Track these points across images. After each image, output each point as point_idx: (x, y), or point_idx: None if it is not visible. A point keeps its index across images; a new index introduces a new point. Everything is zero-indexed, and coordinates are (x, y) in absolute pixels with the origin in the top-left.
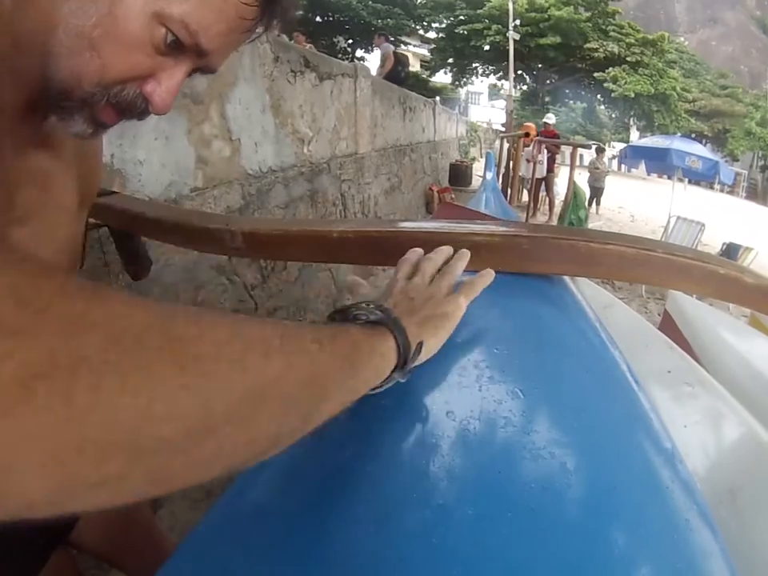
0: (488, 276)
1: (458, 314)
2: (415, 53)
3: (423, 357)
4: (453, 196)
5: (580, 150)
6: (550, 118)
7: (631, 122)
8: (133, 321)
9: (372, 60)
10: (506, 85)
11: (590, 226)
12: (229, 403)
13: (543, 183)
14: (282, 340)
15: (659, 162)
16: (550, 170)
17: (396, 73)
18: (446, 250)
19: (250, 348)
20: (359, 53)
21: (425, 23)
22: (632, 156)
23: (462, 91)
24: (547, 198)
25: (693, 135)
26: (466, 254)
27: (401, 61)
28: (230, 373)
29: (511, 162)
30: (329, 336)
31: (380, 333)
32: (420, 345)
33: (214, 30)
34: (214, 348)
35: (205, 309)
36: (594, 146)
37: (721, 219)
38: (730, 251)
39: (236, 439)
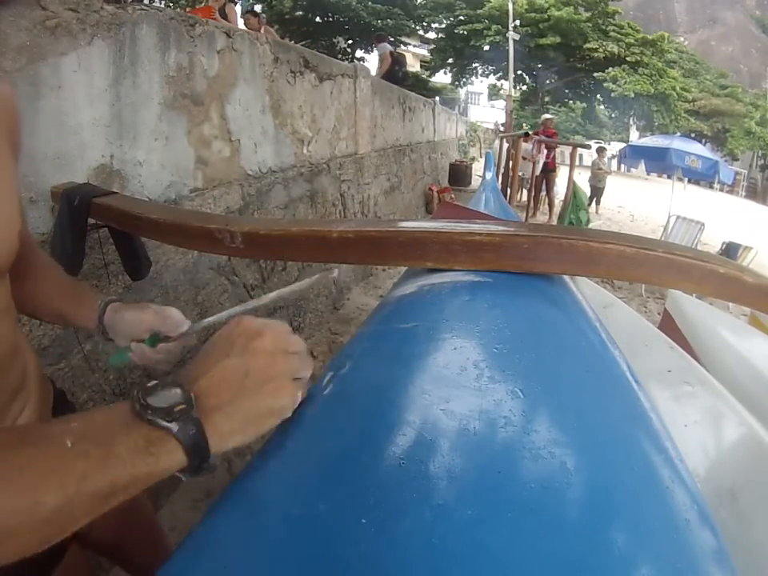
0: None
1: (289, 407)
2: (415, 53)
3: (223, 449)
4: (452, 196)
5: (579, 150)
6: (551, 116)
7: (631, 122)
8: None
9: (372, 60)
10: (506, 85)
11: (590, 225)
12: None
13: (544, 182)
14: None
15: (659, 162)
16: (551, 168)
17: (393, 72)
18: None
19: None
20: (359, 53)
21: (424, 23)
22: (632, 156)
23: (462, 91)
24: (546, 198)
25: (692, 135)
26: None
27: (398, 60)
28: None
29: (510, 162)
30: (78, 476)
31: (165, 445)
32: (218, 457)
33: None
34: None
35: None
36: (595, 146)
37: (720, 218)
38: (730, 250)
39: None
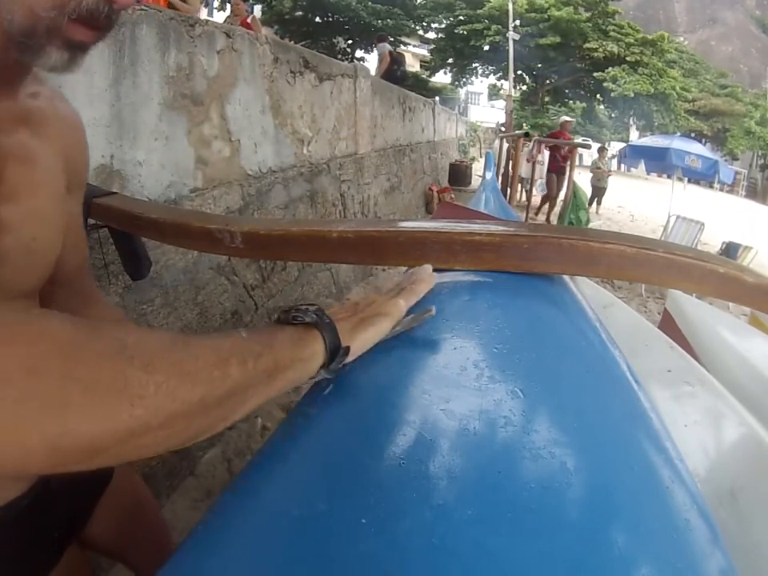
0: (429, 281)
1: (395, 314)
2: (415, 53)
3: (353, 354)
4: (452, 196)
5: (579, 150)
6: (571, 119)
7: (631, 122)
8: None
9: (372, 60)
10: (506, 85)
11: (590, 225)
12: (174, 408)
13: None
14: (213, 364)
15: (659, 162)
16: (554, 170)
17: (392, 72)
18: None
19: (186, 375)
20: (359, 53)
21: (424, 23)
22: (632, 155)
23: (462, 91)
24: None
25: (692, 134)
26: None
27: (397, 60)
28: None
29: (510, 162)
30: (255, 355)
31: (310, 336)
32: (347, 348)
33: None
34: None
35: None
36: (596, 146)
37: (720, 218)
38: (730, 250)
39: (180, 428)
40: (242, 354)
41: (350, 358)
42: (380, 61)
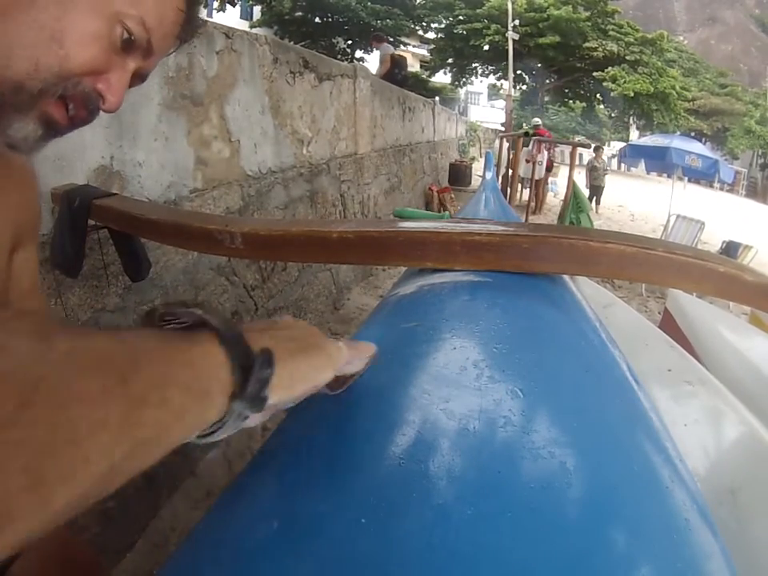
0: (369, 349)
1: (335, 352)
2: (415, 53)
3: (299, 384)
4: (452, 196)
5: (580, 150)
6: (537, 121)
7: (631, 121)
8: None
9: (372, 61)
10: (506, 85)
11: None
12: None
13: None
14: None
15: (659, 161)
16: (548, 167)
17: (393, 75)
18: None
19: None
20: (358, 53)
21: (424, 23)
22: (631, 155)
23: (462, 91)
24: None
25: (692, 134)
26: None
27: (398, 63)
28: None
29: (511, 162)
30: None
31: (196, 339)
32: (267, 354)
33: (161, 31)
34: None
35: None
36: (592, 146)
37: (721, 217)
38: (730, 249)
39: None
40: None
41: (275, 399)
42: (381, 62)
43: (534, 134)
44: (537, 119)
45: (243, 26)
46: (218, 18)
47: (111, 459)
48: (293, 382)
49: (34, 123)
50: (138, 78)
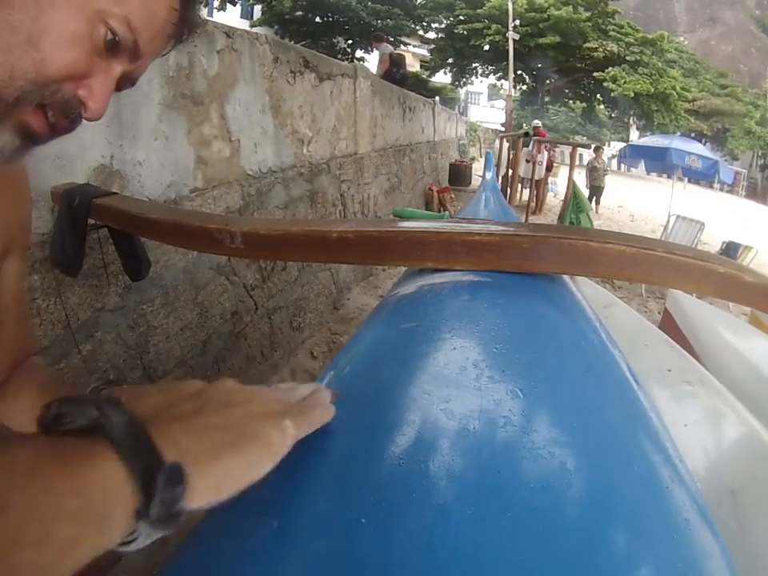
0: (327, 411)
1: (277, 440)
2: (415, 53)
3: (205, 493)
4: (452, 196)
5: (580, 150)
6: (537, 123)
7: (631, 122)
8: None
9: (372, 60)
10: (506, 85)
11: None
12: None
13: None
14: None
15: (659, 162)
16: (548, 167)
17: (391, 74)
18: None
19: None
20: (359, 53)
21: (424, 23)
22: (632, 155)
23: (462, 91)
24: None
25: (692, 134)
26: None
27: (397, 62)
28: None
29: (511, 162)
30: None
31: (91, 451)
32: (174, 469)
33: (149, 32)
34: None
35: None
36: (593, 146)
37: (720, 218)
38: (730, 250)
39: None
40: None
41: (197, 505)
42: (380, 62)
43: (534, 135)
44: (537, 121)
45: (244, 25)
46: (219, 17)
47: None
48: (219, 485)
49: (10, 134)
50: (127, 81)
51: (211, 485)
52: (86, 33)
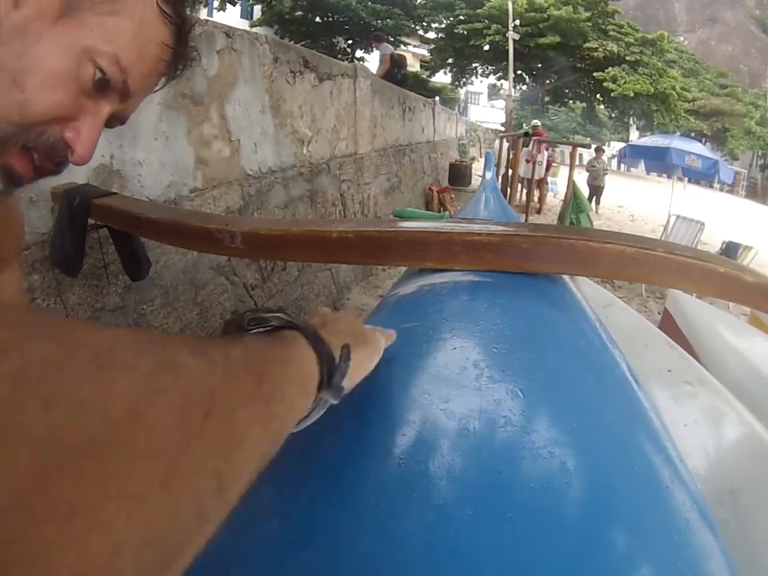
0: (390, 336)
1: (380, 345)
2: (415, 53)
3: (358, 372)
4: (452, 196)
5: (580, 150)
6: (537, 123)
7: (631, 122)
8: None
9: (372, 60)
10: (506, 85)
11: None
12: None
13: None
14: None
15: (659, 161)
16: (547, 167)
17: (392, 75)
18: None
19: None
20: (359, 53)
21: (424, 23)
22: (631, 155)
23: (462, 91)
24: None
25: (692, 134)
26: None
27: (397, 62)
28: None
29: (511, 162)
30: (220, 349)
31: (289, 340)
32: (347, 349)
33: (139, 70)
34: None
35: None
36: (593, 146)
37: (720, 218)
38: (730, 250)
39: None
40: (194, 346)
41: (349, 384)
42: (380, 62)
43: (533, 135)
44: (536, 121)
45: (243, 25)
46: (219, 17)
47: (261, 449)
48: (354, 371)
49: None
50: (117, 120)
51: (356, 367)
52: (73, 72)
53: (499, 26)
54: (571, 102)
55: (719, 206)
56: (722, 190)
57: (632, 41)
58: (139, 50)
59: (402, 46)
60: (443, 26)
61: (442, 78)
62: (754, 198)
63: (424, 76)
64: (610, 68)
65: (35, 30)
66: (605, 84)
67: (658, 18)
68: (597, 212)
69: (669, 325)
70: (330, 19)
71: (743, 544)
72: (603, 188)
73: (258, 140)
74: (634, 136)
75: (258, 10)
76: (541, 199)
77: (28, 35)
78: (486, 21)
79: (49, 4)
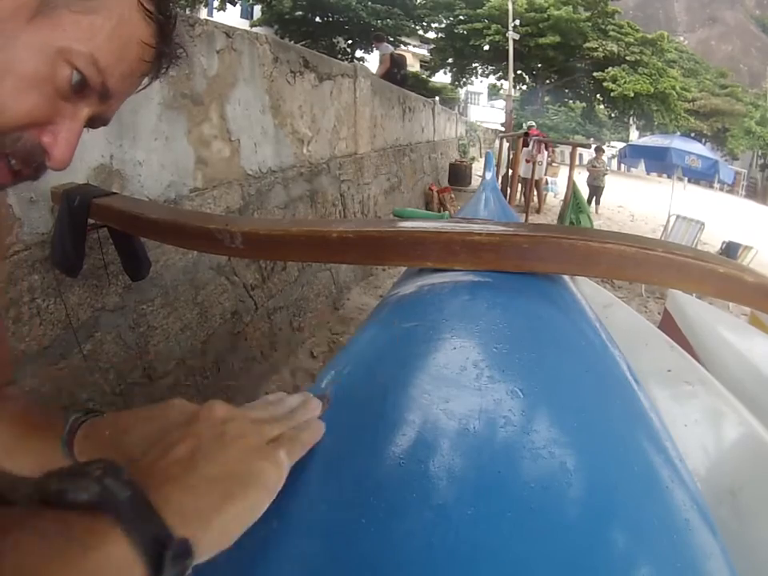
0: (317, 429)
1: (273, 476)
2: (415, 53)
3: (209, 548)
4: (452, 196)
5: (580, 150)
6: (532, 123)
7: (631, 122)
8: None
9: (372, 60)
10: (506, 85)
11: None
12: None
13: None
14: None
15: (659, 161)
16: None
17: (392, 75)
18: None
19: None
20: (359, 53)
21: (424, 23)
22: (631, 155)
23: (462, 91)
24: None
25: (692, 134)
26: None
27: (397, 62)
28: None
29: (511, 162)
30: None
31: (96, 534)
32: (185, 543)
33: (119, 71)
34: None
35: None
36: (593, 146)
37: (720, 218)
38: (730, 250)
39: None
40: None
41: (203, 557)
42: (380, 62)
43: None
44: (531, 122)
45: (243, 25)
46: (219, 17)
47: None
48: (223, 535)
49: None
50: (99, 121)
51: (216, 538)
52: (48, 74)
53: (499, 26)
54: (571, 101)
55: (719, 205)
56: (721, 189)
57: (632, 41)
58: (118, 50)
59: (402, 46)
60: (443, 25)
61: (442, 77)
62: (754, 197)
63: (424, 76)
64: (610, 68)
65: (7, 30)
66: (605, 84)
67: (657, 17)
68: (597, 212)
69: (669, 325)
70: (330, 19)
71: (743, 544)
72: (603, 188)
73: (258, 140)
74: (633, 136)
75: (258, 9)
76: (540, 199)
77: (2, 36)
78: (486, 21)
79: (24, 2)
